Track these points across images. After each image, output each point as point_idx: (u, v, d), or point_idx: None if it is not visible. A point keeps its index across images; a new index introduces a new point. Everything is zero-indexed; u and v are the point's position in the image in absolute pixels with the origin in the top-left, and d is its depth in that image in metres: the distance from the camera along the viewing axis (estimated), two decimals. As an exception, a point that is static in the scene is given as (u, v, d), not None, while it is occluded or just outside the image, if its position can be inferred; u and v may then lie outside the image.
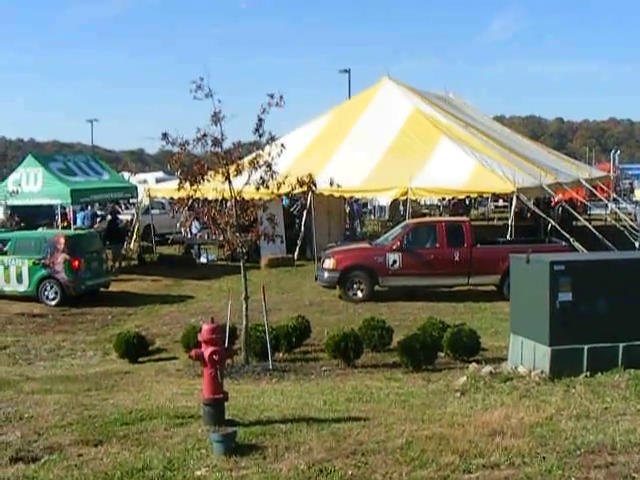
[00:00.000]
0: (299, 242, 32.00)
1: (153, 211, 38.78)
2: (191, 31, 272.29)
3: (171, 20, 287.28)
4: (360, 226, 45.48)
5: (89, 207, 40.71)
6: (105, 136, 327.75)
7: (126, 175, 49.66)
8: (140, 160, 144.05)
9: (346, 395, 13.07)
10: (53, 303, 24.59)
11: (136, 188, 35.56)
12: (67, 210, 33.11)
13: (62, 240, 25.06)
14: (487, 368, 14.00)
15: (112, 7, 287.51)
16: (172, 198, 32.15)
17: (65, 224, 32.99)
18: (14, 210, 33.41)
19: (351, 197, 35.66)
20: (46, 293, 24.80)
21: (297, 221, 34.95)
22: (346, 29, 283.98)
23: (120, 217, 36.96)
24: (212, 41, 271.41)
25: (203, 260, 34.27)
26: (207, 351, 10.07)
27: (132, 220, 37.26)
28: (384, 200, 44.35)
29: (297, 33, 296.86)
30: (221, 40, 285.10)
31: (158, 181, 47.50)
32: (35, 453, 9.48)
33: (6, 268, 25.11)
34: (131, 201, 42.82)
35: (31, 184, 30.05)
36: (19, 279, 25.03)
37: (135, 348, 18.19)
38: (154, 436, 9.91)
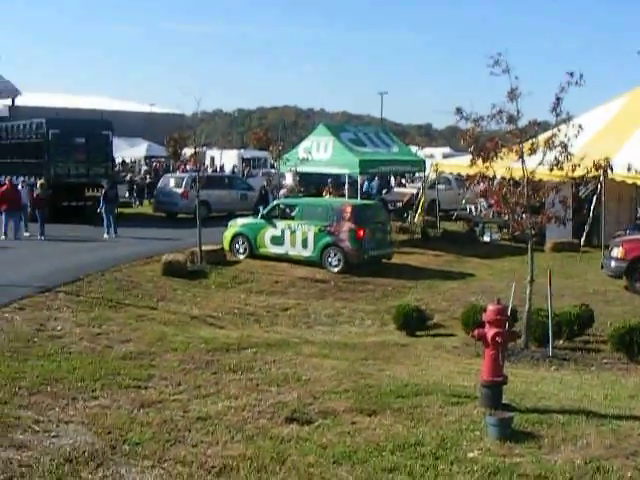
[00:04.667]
0: (586, 227, 31.03)
1: (439, 186, 38.75)
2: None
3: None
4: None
5: (376, 178, 41.42)
6: (394, 109, 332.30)
7: (413, 149, 50.14)
8: (427, 134, 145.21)
9: (628, 391, 12.52)
10: (335, 270, 25.00)
11: (424, 162, 35.74)
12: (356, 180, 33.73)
13: (348, 209, 25.50)
14: None
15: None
16: (459, 174, 32.11)
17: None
18: (302, 177, 34.38)
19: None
20: (329, 260, 25.26)
21: (585, 205, 33.88)
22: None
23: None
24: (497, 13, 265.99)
25: (486, 239, 33.84)
26: (490, 332, 9.90)
27: (417, 194, 37.45)
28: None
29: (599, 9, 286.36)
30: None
31: (445, 156, 47.54)
32: (310, 416, 9.72)
33: (292, 232, 25.80)
34: (417, 175, 43.06)
35: (321, 152, 30.91)
36: (304, 244, 25.67)
37: (414, 321, 18.21)
38: (428, 412, 9.89)
